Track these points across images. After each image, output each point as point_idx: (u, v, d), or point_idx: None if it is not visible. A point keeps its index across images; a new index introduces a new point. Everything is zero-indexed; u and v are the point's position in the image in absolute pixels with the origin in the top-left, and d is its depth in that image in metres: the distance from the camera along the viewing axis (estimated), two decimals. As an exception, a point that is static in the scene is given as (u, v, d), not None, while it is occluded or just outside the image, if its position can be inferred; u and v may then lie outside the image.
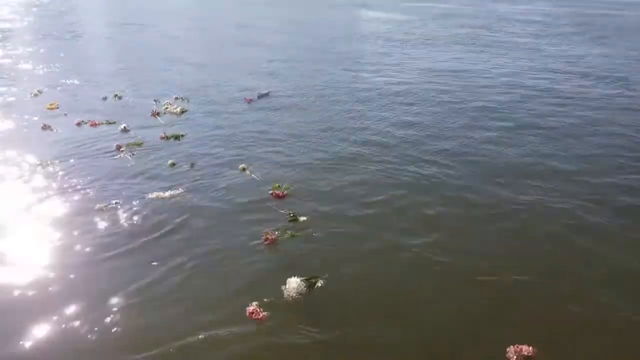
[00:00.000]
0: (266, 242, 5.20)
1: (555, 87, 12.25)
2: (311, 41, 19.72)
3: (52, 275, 4.67)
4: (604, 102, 10.80)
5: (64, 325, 4.04)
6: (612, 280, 4.69)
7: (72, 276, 4.67)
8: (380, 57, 16.17)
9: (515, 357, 3.58)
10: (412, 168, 7.16)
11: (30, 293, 4.42)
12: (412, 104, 10.47)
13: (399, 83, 12.37)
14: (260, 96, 10.89)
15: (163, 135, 8.22)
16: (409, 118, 9.53)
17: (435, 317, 4.19)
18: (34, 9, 29.59)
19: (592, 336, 3.99)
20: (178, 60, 15.22)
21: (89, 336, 3.94)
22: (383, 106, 10.22)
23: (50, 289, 4.49)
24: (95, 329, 4.01)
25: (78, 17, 26.38)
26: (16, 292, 4.42)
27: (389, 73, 13.60)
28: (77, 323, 4.07)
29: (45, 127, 8.61)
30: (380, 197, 6.24)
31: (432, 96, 11.12)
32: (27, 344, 3.85)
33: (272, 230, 5.35)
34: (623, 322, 4.14)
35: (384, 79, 12.93)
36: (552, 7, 40.30)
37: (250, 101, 10.47)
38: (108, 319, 4.12)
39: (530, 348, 3.60)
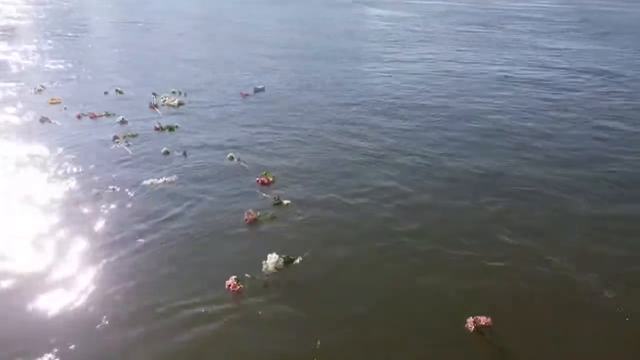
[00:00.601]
0: (247, 222, 5.49)
1: (546, 80, 12.51)
2: (312, 38, 19.98)
3: (49, 256, 4.95)
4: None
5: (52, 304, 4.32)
6: (571, 258, 4.93)
7: (69, 258, 4.93)
8: (376, 54, 16.43)
9: (473, 327, 3.82)
10: (400, 160, 7.39)
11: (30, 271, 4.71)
12: (402, 100, 10.75)
13: (393, 80, 12.63)
14: (256, 91, 11.16)
15: (157, 127, 8.49)
16: (402, 113, 9.78)
17: (404, 294, 4.43)
18: (41, 7, 29.98)
19: (543, 309, 4.26)
20: (179, 57, 15.52)
21: (74, 310, 4.22)
22: (376, 102, 10.45)
23: (49, 266, 4.78)
24: (84, 303, 4.29)
25: (84, 16, 26.74)
26: (17, 273, 4.69)
27: (384, 69, 13.85)
28: (72, 298, 4.35)
29: (43, 120, 8.87)
30: (365, 189, 6.47)
31: (422, 93, 11.40)
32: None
33: (254, 210, 5.63)
34: (575, 297, 4.41)
35: (379, 75, 13.22)
36: (554, 4, 40.28)
37: (245, 95, 10.74)
38: (101, 292, 4.40)
39: (488, 319, 3.83)
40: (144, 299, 4.34)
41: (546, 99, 10.87)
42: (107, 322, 4.05)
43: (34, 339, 3.85)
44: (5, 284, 4.53)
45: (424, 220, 5.69)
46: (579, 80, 12.85)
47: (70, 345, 3.80)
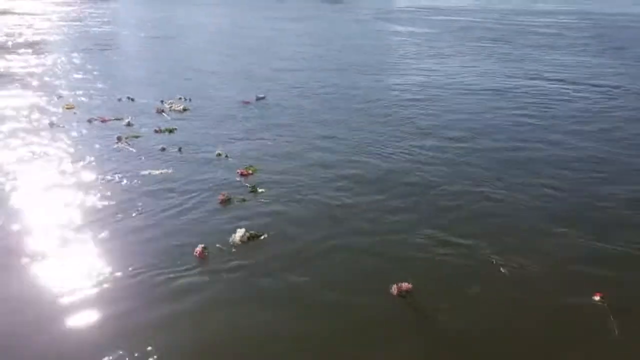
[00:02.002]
0: (220, 202, 6.24)
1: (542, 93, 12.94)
2: (323, 52, 20.69)
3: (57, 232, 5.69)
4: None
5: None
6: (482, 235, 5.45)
7: (73, 233, 5.66)
8: (381, 68, 17.01)
9: (396, 292, 4.35)
10: (377, 163, 7.96)
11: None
12: (394, 108, 11.34)
13: (397, 92, 13.24)
14: (258, 99, 11.87)
15: (157, 129, 9.27)
16: (389, 119, 10.37)
17: (344, 267, 5.05)
18: (71, 23, 31.59)
19: (456, 276, 4.90)
20: (192, 68, 16.41)
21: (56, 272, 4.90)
22: (379, 114, 10.93)
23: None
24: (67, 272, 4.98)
25: (110, 31, 28.05)
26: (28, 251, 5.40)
27: (387, 82, 14.47)
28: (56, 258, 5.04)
29: (52, 124, 9.60)
30: (340, 181, 7.06)
31: (411, 100, 11.96)
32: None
33: (228, 192, 6.44)
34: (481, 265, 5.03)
35: (379, 86, 13.82)
36: (573, 20, 40.36)
37: (247, 103, 11.45)
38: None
39: (410, 285, 4.37)
40: (119, 262, 5.04)
41: (529, 114, 11.31)
42: (85, 283, 4.71)
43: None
44: None
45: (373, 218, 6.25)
46: (566, 90, 13.25)
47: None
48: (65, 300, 4.48)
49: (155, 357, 3.78)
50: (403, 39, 25.85)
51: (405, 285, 4.40)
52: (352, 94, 12.63)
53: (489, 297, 4.58)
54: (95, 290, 4.62)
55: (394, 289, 4.41)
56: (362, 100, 11.91)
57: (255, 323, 4.21)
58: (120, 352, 3.83)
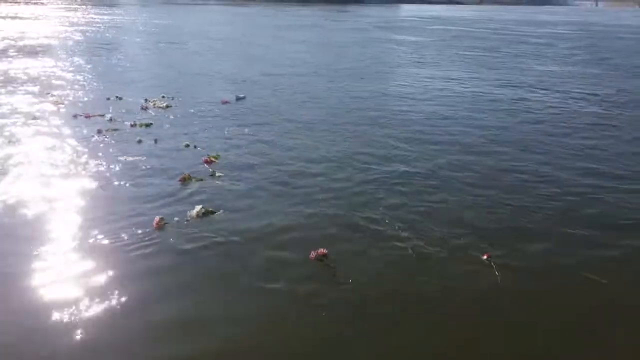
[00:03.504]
0: (179, 181, 7.06)
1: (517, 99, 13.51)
2: (319, 59, 21.41)
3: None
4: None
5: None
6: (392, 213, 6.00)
7: (47, 206, 6.30)
8: (372, 73, 17.71)
9: (314, 256, 4.97)
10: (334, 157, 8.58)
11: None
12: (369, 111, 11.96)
13: (373, 95, 13.88)
14: (238, 99, 12.53)
15: (133, 123, 9.95)
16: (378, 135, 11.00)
17: (273, 237, 5.65)
18: (78, 27, 32.56)
19: (366, 243, 5.52)
20: (184, 71, 17.14)
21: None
22: (355, 117, 11.65)
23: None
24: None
25: (115, 37, 28.89)
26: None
27: (371, 89, 15.11)
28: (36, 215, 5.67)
29: (35, 118, 10.24)
30: (296, 174, 7.64)
31: (392, 107, 12.56)
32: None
33: (189, 173, 7.21)
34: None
35: (363, 91, 14.47)
36: (569, 30, 40.95)
37: (225, 102, 12.10)
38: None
39: (325, 250, 5.00)
40: (84, 229, 5.73)
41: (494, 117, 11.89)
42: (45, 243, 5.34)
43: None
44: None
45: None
46: (543, 99, 13.83)
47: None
48: (29, 261, 5.10)
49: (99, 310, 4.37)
50: (396, 47, 26.57)
51: (321, 250, 5.06)
52: (332, 98, 13.25)
53: (390, 260, 5.23)
54: (58, 250, 5.25)
55: (312, 254, 5.03)
56: (340, 105, 12.49)
57: (193, 290, 4.73)
58: (72, 309, 4.37)
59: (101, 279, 4.80)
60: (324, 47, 26.44)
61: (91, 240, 5.47)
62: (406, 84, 15.59)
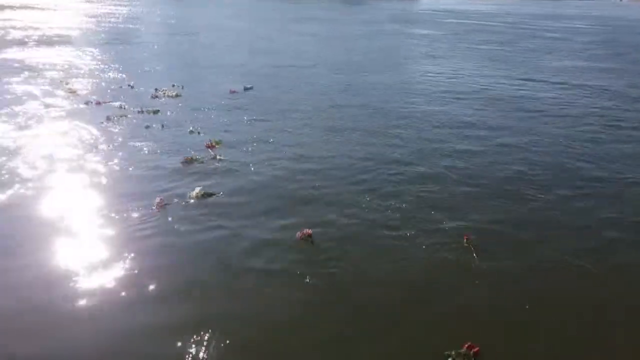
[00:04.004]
0: (182, 162, 7.44)
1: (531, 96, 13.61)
2: (324, 51, 21.60)
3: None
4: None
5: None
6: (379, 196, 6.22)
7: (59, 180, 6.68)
8: (379, 67, 17.87)
9: (300, 236, 5.26)
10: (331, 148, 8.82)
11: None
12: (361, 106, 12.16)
13: (380, 89, 14.09)
14: (246, 89, 12.81)
15: (140, 110, 10.31)
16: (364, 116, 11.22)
17: (264, 222, 5.91)
18: (92, 19, 33.12)
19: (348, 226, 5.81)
20: (196, 62, 17.50)
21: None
22: (356, 109, 11.74)
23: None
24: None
25: (132, 28, 29.35)
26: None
27: (375, 80, 15.32)
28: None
29: (49, 104, 10.63)
30: (295, 161, 7.93)
31: (385, 95, 12.77)
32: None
33: (191, 156, 7.60)
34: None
35: (369, 85, 14.68)
36: (586, 25, 40.49)
37: (233, 92, 12.40)
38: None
39: (310, 230, 5.31)
40: (94, 202, 6.19)
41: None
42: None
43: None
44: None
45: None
46: (549, 94, 13.90)
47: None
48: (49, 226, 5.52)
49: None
50: (407, 40, 26.64)
51: (306, 230, 5.42)
52: (337, 90, 13.46)
53: (373, 242, 5.52)
54: (62, 227, 5.61)
55: (298, 234, 5.37)
56: (343, 97, 12.71)
57: (188, 266, 5.06)
58: (75, 279, 4.72)
59: (104, 253, 5.12)
60: (334, 40, 26.58)
61: (97, 218, 5.82)
62: (412, 78, 15.74)
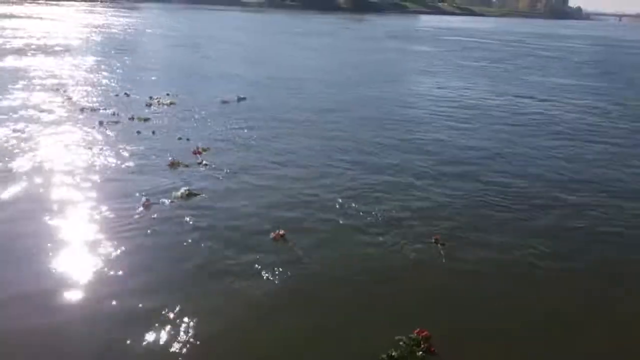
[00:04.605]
0: (168, 165, 7.82)
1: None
2: (321, 65, 22.03)
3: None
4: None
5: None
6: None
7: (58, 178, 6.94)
8: (372, 80, 18.24)
9: (274, 236, 5.61)
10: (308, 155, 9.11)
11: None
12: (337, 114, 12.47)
13: (371, 103, 14.42)
14: (240, 99, 13.12)
15: (131, 117, 10.60)
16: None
17: (240, 225, 6.12)
18: (96, 29, 33.67)
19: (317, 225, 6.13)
20: (195, 73, 17.89)
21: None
22: (342, 123, 11.88)
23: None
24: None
25: (134, 39, 29.84)
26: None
27: (365, 94, 15.66)
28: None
29: (45, 110, 10.89)
30: (276, 167, 8.20)
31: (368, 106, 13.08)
32: None
33: (177, 160, 7.94)
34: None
35: (359, 99, 15.03)
36: (582, 44, 41.02)
37: (225, 102, 12.70)
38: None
39: (283, 231, 5.68)
40: (85, 201, 6.49)
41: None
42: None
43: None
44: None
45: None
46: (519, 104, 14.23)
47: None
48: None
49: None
50: (403, 56, 27.11)
51: (281, 231, 5.71)
52: (328, 102, 13.77)
53: (343, 240, 5.87)
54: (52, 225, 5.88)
55: (273, 234, 5.69)
56: (333, 108, 13.02)
57: (170, 261, 5.30)
58: (64, 274, 4.96)
59: (91, 250, 5.34)
60: (333, 54, 27.06)
61: (85, 216, 6.07)
62: (402, 91, 16.13)
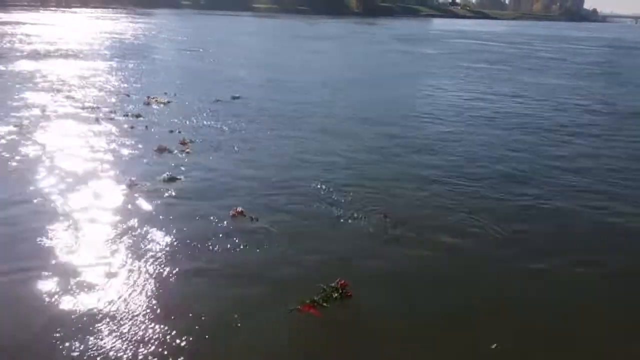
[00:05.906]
0: (155, 150, 8.62)
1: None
2: (323, 67, 22.58)
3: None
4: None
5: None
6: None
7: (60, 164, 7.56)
8: (371, 83, 18.72)
9: (233, 213, 6.12)
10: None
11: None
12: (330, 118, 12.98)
13: (365, 104, 14.92)
14: (233, 98, 13.72)
15: (126, 114, 11.30)
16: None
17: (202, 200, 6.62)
18: (109, 35, 34.64)
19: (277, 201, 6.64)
20: (197, 75, 18.57)
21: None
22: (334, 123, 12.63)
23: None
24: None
25: (142, 44, 30.60)
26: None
27: (360, 96, 16.16)
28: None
29: (46, 109, 11.59)
30: (257, 159, 8.72)
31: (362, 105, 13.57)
32: None
33: (163, 147, 8.71)
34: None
35: (356, 101, 15.55)
36: (589, 46, 40.98)
37: (219, 100, 13.30)
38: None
39: (241, 209, 6.17)
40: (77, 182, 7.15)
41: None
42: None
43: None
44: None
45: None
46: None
47: None
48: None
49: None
50: (408, 58, 27.51)
51: (239, 208, 6.25)
52: (323, 102, 14.25)
53: (302, 214, 6.43)
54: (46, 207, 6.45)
55: (231, 211, 6.23)
56: (327, 107, 13.50)
57: (150, 238, 5.72)
58: (53, 254, 5.51)
59: (77, 230, 5.84)
60: (338, 58, 27.58)
61: (75, 195, 6.75)
62: (398, 92, 16.52)
